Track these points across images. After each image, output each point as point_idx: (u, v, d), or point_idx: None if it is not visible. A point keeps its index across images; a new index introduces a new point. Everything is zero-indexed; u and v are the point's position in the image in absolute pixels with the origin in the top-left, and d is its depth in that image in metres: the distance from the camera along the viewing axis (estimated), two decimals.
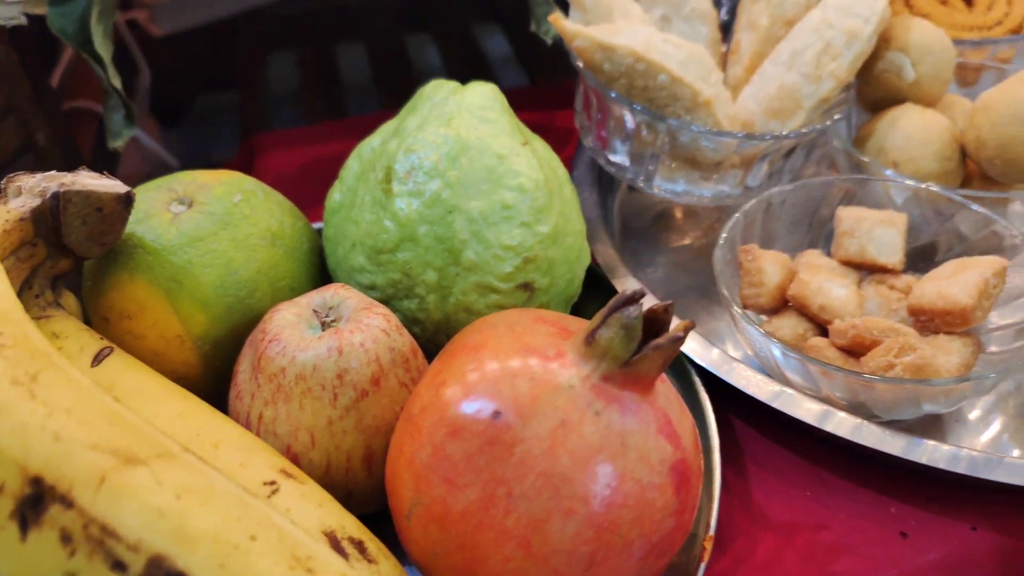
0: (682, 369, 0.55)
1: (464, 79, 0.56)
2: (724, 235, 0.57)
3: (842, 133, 0.65)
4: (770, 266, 0.56)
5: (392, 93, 1.05)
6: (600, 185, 0.70)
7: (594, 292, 0.60)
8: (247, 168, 0.81)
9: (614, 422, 0.39)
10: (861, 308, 0.56)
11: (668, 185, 0.64)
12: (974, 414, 0.56)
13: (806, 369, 0.50)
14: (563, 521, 0.37)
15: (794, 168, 0.66)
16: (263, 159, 0.81)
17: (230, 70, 1.18)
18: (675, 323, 0.54)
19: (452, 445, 0.39)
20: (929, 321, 0.54)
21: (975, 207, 0.58)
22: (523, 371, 0.40)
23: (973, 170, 0.64)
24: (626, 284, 0.60)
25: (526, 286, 0.52)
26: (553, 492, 0.37)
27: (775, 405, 0.51)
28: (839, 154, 0.65)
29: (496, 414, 0.39)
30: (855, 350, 0.52)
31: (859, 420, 0.50)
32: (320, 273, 0.56)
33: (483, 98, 0.53)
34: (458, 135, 0.51)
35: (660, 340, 0.39)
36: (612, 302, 0.40)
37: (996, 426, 0.55)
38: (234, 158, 0.85)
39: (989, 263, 0.54)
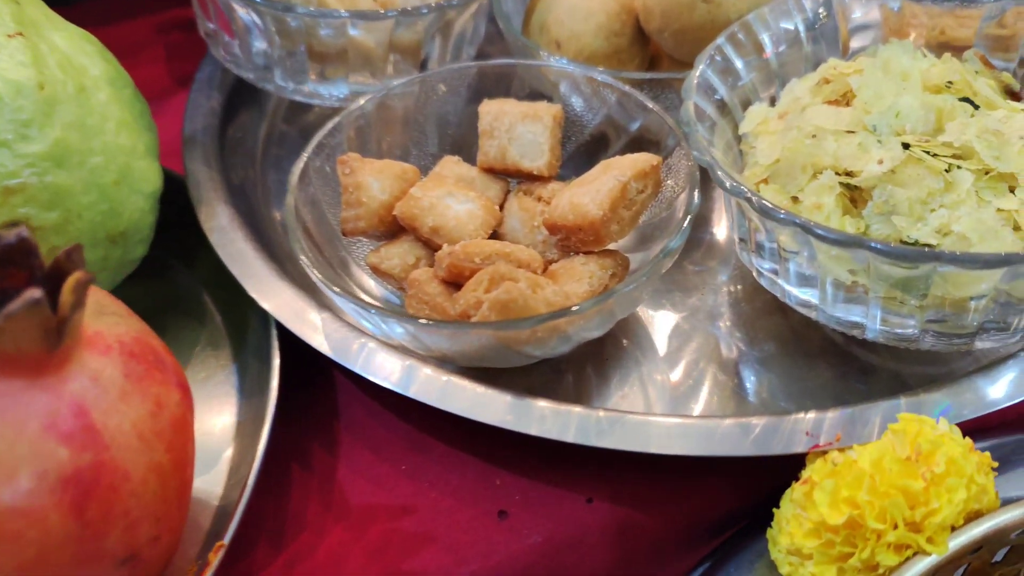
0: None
1: None
2: (313, 144, 0.45)
3: (506, 8, 0.53)
4: (374, 180, 0.44)
5: None
6: (239, 89, 0.57)
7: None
8: None
9: None
10: (489, 228, 0.44)
11: (293, 84, 0.52)
12: (656, 357, 0.46)
13: (365, 315, 0.39)
14: None
15: (460, 55, 0.54)
16: None
17: None
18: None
19: None
20: (566, 240, 0.43)
21: (633, 93, 0.46)
22: None
23: (660, 49, 0.52)
24: (213, 215, 0.47)
25: (15, 225, 0.39)
26: None
27: (348, 364, 0.40)
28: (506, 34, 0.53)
29: None
30: (459, 283, 0.41)
31: (447, 377, 0.39)
32: None
33: None
34: None
35: (12, 306, 0.27)
36: None
37: (673, 369, 0.45)
38: None
39: (631, 163, 0.43)
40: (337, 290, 0.38)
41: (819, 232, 0.35)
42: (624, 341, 0.47)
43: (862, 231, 0.38)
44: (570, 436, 0.37)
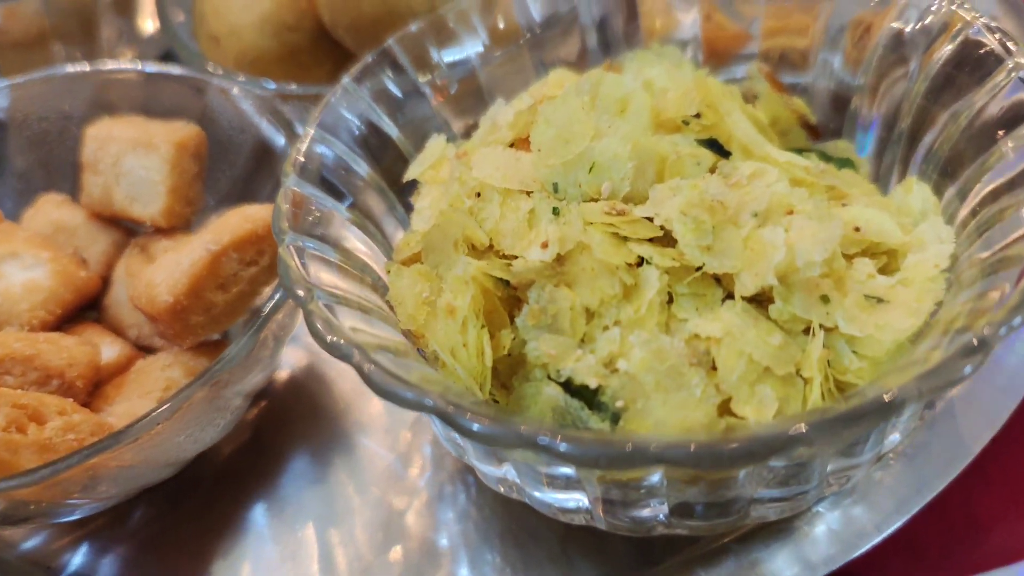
0: None
1: None
2: None
3: None
4: None
5: None
6: None
7: None
8: None
9: None
10: (64, 305, 0.32)
11: None
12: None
13: None
14: None
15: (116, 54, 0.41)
16: None
17: None
18: None
19: None
20: (158, 327, 0.31)
21: (267, 111, 0.33)
22: None
23: None
24: None
25: None
26: None
27: None
28: None
29: None
30: None
31: None
32: None
33: None
34: None
35: None
36: None
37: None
38: None
39: (239, 222, 0.30)
40: None
41: (378, 386, 0.22)
42: (304, 450, 0.34)
43: (505, 351, 0.25)
44: None
